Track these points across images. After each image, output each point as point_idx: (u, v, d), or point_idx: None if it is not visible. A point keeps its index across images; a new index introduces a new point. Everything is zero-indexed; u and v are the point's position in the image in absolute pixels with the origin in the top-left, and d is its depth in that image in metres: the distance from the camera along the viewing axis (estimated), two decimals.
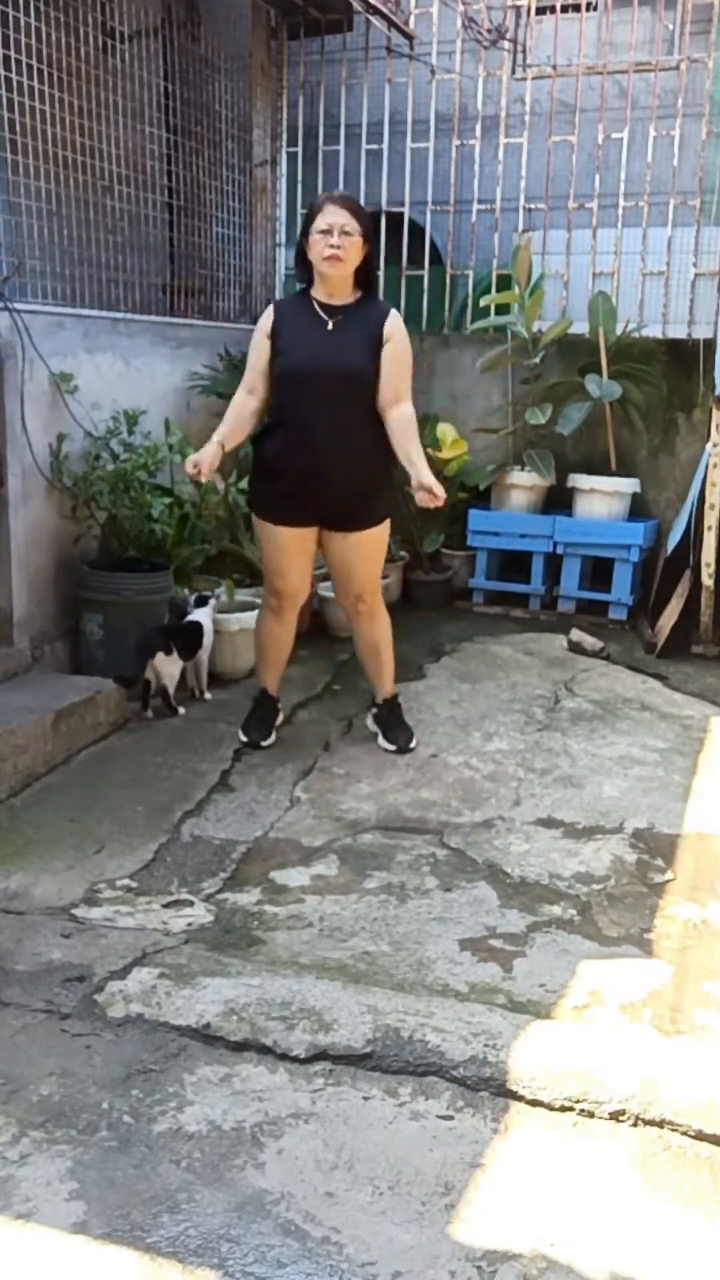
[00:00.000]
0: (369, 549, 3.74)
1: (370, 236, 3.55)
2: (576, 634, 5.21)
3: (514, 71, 6.07)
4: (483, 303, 5.79)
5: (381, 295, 6.17)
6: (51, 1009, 2.33)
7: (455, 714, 4.28)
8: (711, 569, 5.09)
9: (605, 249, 5.93)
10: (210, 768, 3.68)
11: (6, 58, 4.06)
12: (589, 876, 3.03)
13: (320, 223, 3.44)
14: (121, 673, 3.99)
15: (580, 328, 5.74)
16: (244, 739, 3.88)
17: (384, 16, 5.69)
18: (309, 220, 3.49)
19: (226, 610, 4.47)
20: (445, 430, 5.80)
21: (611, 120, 5.84)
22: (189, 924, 2.71)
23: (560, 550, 5.70)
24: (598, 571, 5.77)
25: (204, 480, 3.62)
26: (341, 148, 6.16)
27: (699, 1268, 1.74)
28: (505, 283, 5.86)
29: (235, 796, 3.49)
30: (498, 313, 5.75)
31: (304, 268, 3.60)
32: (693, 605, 5.15)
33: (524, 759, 3.85)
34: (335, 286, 3.55)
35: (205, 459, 3.54)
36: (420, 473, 3.46)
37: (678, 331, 5.80)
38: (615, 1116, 2.04)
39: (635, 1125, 2.03)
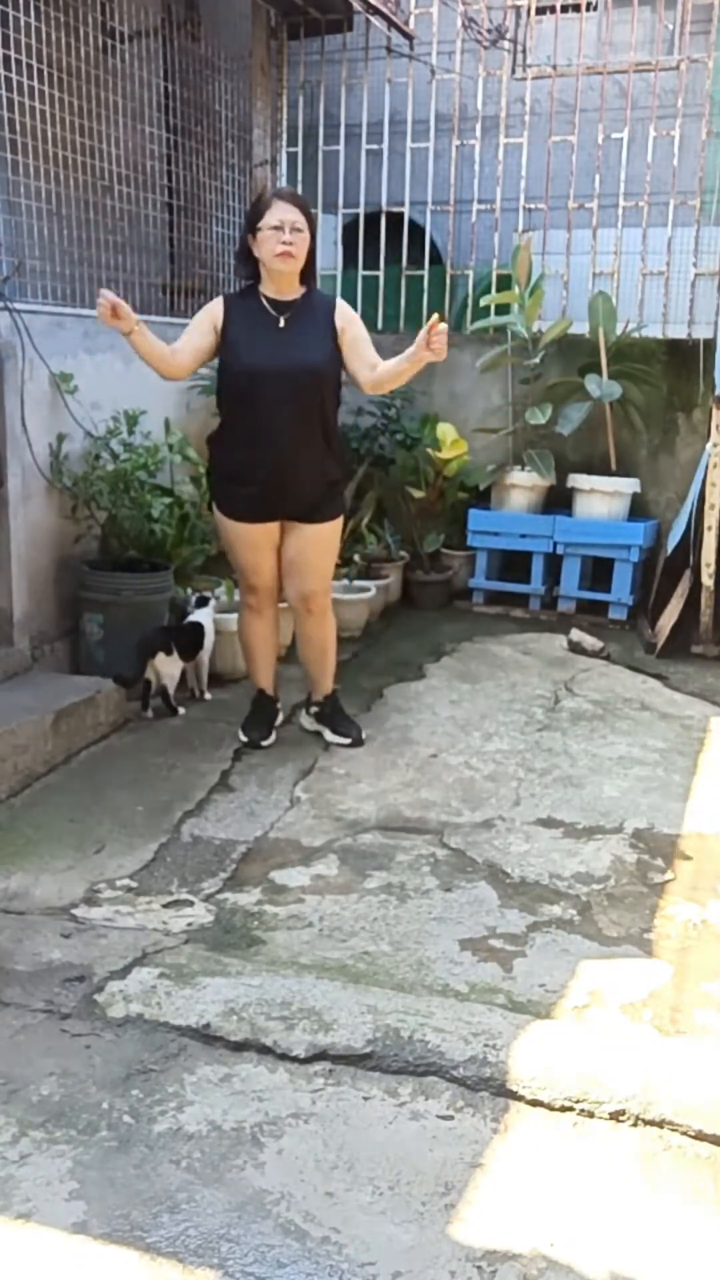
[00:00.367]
0: (323, 542, 3.77)
1: (314, 233, 3.56)
2: (576, 634, 5.21)
3: (514, 71, 6.08)
4: (483, 303, 5.79)
5: (381, 295, 6.29)
6: (51, 1009, 2.33)
7: (455, 714, 4.28)
8: (711, 569, 5.09)
9: (605, 249, 5.93)
10: (210, 768, 3.68)
11: (6, 58, 4.06)
12: (589, 876, 3.03)
13: (271, 219, 3.44)
14: (121, 673, 3.98)
15: (580, 328, 5.74)
16: (244, 739, 3.88)
17: (384, 16, 5.70)
18: (256, 216, 3.49)
19: (226, 610, 4.47)
20: (445, 430, 5.80)
21: (611, 120, 5.85)
22: (189, 924, 2.71)
23: (560, 550, 5.70)
24: (598, 571, 5.77)
25: (106, 315, 3.40)
26: (341, 148, 6.17)
27: (699, 1267, 1.74)
28: (505, 283, 5.86)
29: (235, 796, 3.49)
30: (498, 313, 5.76)
31: (248, 264, 3.59)
32: (693, 605, 5.15)
33: (524, 759, 3.85)
34: (284, 283, 3.56)
35: (122, 305, 3.41)
36: (410, 349, 3.42)
37: (678, 331, 5.80)
38: (615, 1116, 2.04)
39: (635, 1125, 2.03)
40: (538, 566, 5.79)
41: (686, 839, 3.27)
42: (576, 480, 5.71)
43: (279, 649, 4.03)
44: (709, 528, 5.05)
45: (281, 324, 3.55)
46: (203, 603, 4.28)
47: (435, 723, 4.17)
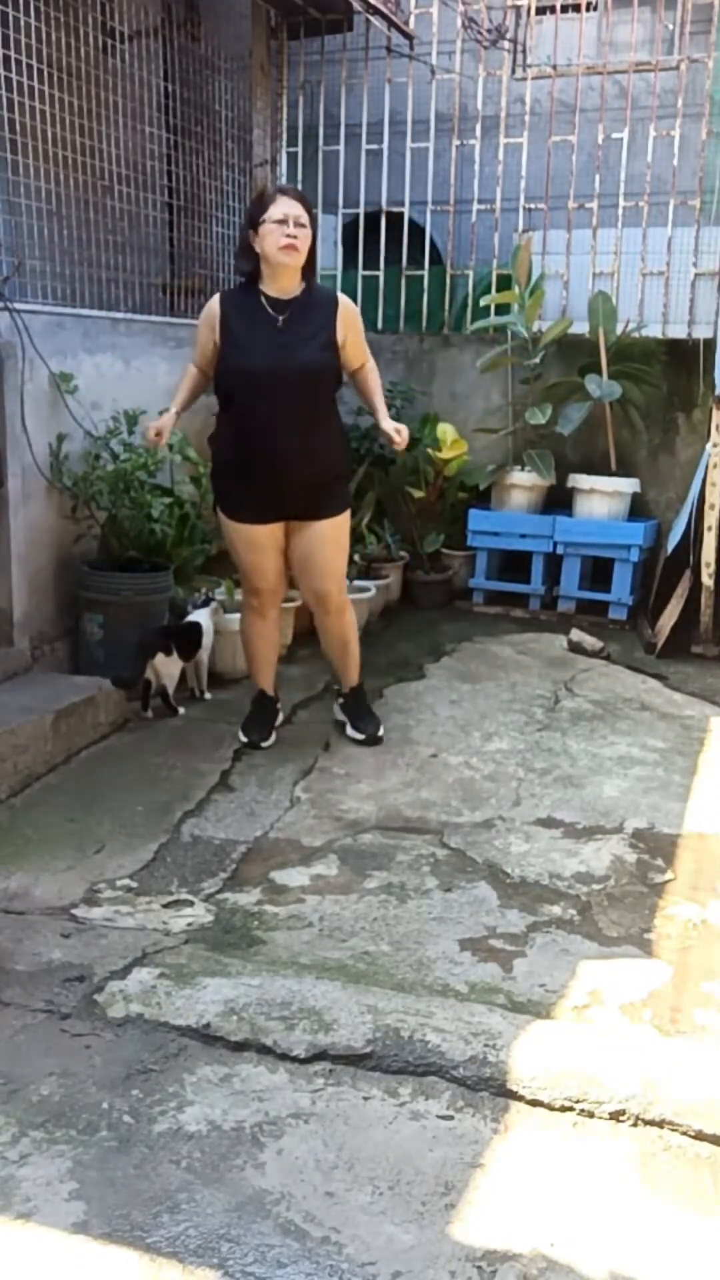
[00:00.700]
0: (331, 538, 3.75)
1: (315, 230, 3.58)
2: (576, 634, 5.21)
3: (514, 71, 6.08)
4: (483, 303, 5.79)
5: (381, 295, 6.29)
6: (51, 1009, 2.33)
7: (455, 714, 4.28)
8: (711, 569, 5.09)
9: (605, 249, 5.93)
10: (210, 768, 3.68)
11: (6, 58, 4.06)
12: (589, 876, 3.03)
13: (274, 212, 3.43)
14: (120, 673, 3.98)
15: (580, 328, 5.74)
16: (244, 740, 3.87)
17: (384, 16, 5.70)
18: (259, 211, 3.48)
19: (227, 610, 4.47)
20: (445, 430, 5.80)
21: (611, 120, 5.85)
22: (189, 924, 2.71)
23: (560, 550, 5.70)
24: (598, 571, 5.77)
25: (163, 445, 3.74)
26: (341, 148, 6.17)
27: (699, 1268, 1.74)
28: (505, 283, 5.86)
29: (235, 796, 3.49)
30: (498, 313, 5.76)
31: (248, 259, 3.57)
32: (693, 605, 5.15)
33: (524, 759, 3.85)
34: (287, 279, 3.55)
35: (165, 425, 3.62)
36: (382, 419, 3.78)
37: (678, 331, 5.80)
38: (615, 1116, 2.04)
39: (635, 1125, 2.03)
40: (538, 566, 5.79)
41: (686, 839, 3.27)
42: (576, 480, 5.71)
43: (281, 649, 4.03)
44: (709, 528, 5.05)
45: (280, 323, 3.54)
46: (206, 603, 4.28)
47: (435, 723, 4.18)
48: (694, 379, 5.67)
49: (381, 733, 3.96)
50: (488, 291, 5.92)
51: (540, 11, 6.13)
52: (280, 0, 5.80)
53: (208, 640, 4.26)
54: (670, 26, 6.00)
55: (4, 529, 3.98)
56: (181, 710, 4.13)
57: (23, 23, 4.13)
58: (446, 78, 6.06)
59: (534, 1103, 2.08)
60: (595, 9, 5.96)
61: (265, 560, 3.74)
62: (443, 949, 2.63)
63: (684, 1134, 2.01)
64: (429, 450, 5.77)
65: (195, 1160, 1.93)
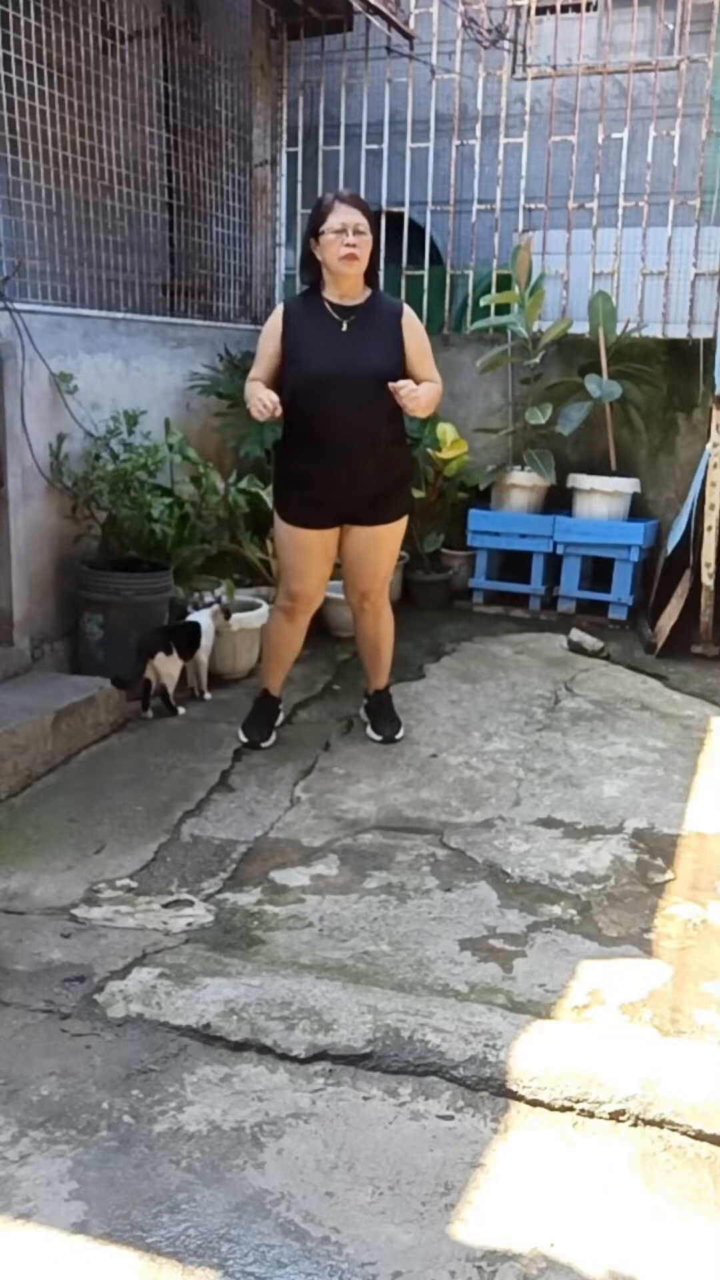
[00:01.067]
0: (386, 543, 3.77)
1: (377, 235, 3.59)
2: (576, 634, 5.21)
3: (514, 71, 6.07)
4: (483, 303, 5.79)
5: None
6: (51, 1009, 2.33)
7: (455, 714, 4.28)
8: (711, 569, 5.09)
9: (605, 249, 5.93)
10: (210, 768, 3.68)
11: (6, 58, 4.06)
12: (589, 876, 3.03)
13: (333, 222, 3.44)
14: (119, 674, 3.98)
15: (580, 328, 5.74)
16: (243, 739, 3.88)
17: (384, 16, 5.69)
18: (318, 220, 3.48)
19: (229, 614, 4.45)
20: (445, 430, 5.80)
21: (611, 120, 5.84)
22: (189, 924, 2.71)
23: (560, 550, 5.70)
24: (598, 571, 5.77)
25: (279, 415, 3.49)
26: (341, 148, 6.16)
27: (699, 1268, 1.74)
28: (505, 283, 5.86)
29: (235, 796, 3.49)
30: (498, 313, 5.76)
31: (311, 269, 3.59)
32: (693, 605, 5.15)
33: (524, 759, 3.85)
34: (349, 286, 3.55)
35: (273, 396, 3.46)
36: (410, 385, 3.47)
37: (678, 331, 5.79)
38: (615, 1116, 2.04)
39: (635, 1125, 2.03)
40: (538, 566, 5.79)
41: (686, 839, 3.27)
42: (576, 480, 5.71)
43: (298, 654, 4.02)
44: (709, 528, 5.05)
45: (345, 328, 3.53)
46: (210, 605, 4.28)
47: (435, 722, 4.18)
48: (694, 379, 5.66)
49: (400, 735, 3.97)
50: (488, 291, 5.92)
51: (540, 11, 6.12)
52: (280, 0, 5.80)
53: (207, 640, 4.26)
54: (670, 26, 5.99)
55: (4, 529, 3.98)
56: (181, 710, 4.13)
57: (23, 23, 4.13)
58: (446, 78, 6.05)
59: (534, 1103, 2.08)
60: (595, 9, 5.95)
61: (310, 564, 3.72)
62: (443, 949, 2.63)
63: (684, 1134, 2.01)
64: (429, 450, 5.76)
65: (195, 1160, 1.93)
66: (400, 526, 3.80)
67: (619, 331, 5.68)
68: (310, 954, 2.59)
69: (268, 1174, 1.90)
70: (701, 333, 5.66)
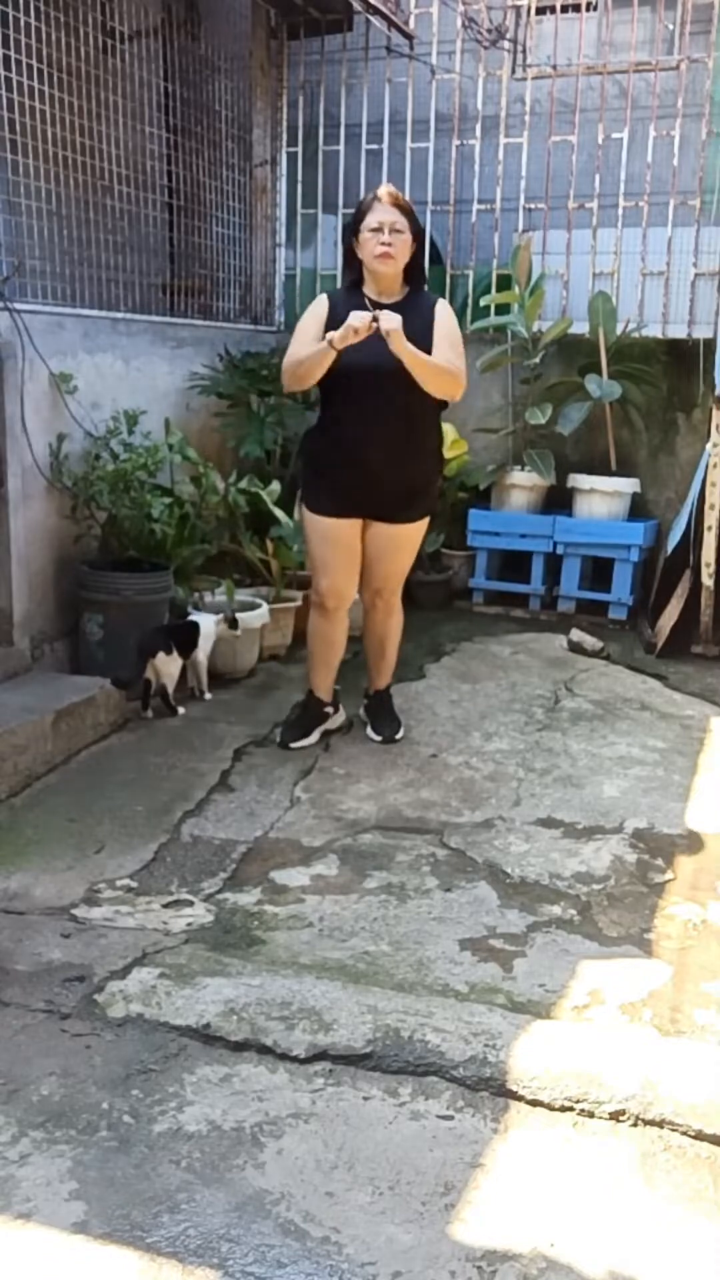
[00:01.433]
0: (407, 542, 3.80)
1: (421, 235, 3.58)
2: (576, 634, 5.21)
3: (514, 71, 6.07)
4: (483, 303, 5.79)
5: None
6: (51, 1009, 2.33)
7: (455, 714, 4.28)
8: (711, 569, 5.09)
9: (605, 249, 5.92)
10: (210, 768, 3.68)
11: (6, 58, 4.06)
12: (589, 876, 3.03)
13: (371, 220, 3.47)
14: (119, 674, 3.98)
15: (580, 328, 5.74)
16: (277, 741, 3.88)
17: (384, 16, 5.69)
18: (359, 218, 3.51)
19: (233, 626, 4.43)
20: (445, 430, 5.78)
21: (611, 120, 5.84)
22: (189, 924, 2.71)
23: (560, 550, 5.70)
24: (598, 571, 5.77)
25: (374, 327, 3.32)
26: (341, 148, 6.16)
27: (699, 1268, 1.74)
28: (505, 283, 5.86)
29: (235, 796, 3.49)
30: (498, 313, 5.75)
31: (352, 266, 3.62)
32: (693, 605, 5.15)
33: (524, 759, 3.85)
34: (386, 284, 3.57)
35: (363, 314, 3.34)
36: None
37: (678, 331, 5.79)
38: (615, 1116, 2.04)
39: (635, 1125, 2.03)
40: (538, 566, 5.79)
41: (686, 839, 3.27)
42: (576, 480, 5.71)
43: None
44: (709, 528, 5.05)
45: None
46: (217, 617, 4.28)
47: (435, 722, 4.18)
48: (694, 379, 5.66)
49: (400, 736, 3.98)
50: (488, 291, 5.92)
51: (540, 11, 6.12)
52: (280, 0, 5.80)
53: (207, 641, 4.26)
54: (670, 26, 5.99)
55: (4, 529, 3.98)
56: (181, 710, 4.13)
57: (23, 23, 4.13)
58: (446, 78, 6.05)
59: (534, 1103, 2.08)
60: (595, 9, 5.95)
61: (337, 556, 3.73)
62: (443, 949, 2.63)
63: (684, 1134, 2.01)
64: None
65: (195, 1160, 1.93)
66: (422, 527, 3.82)
67: (619, 331, 5.68)
68: (310, 954, 2.59)
69: (268, 1174, 1.90)
70: (701, 333, 5.66)
